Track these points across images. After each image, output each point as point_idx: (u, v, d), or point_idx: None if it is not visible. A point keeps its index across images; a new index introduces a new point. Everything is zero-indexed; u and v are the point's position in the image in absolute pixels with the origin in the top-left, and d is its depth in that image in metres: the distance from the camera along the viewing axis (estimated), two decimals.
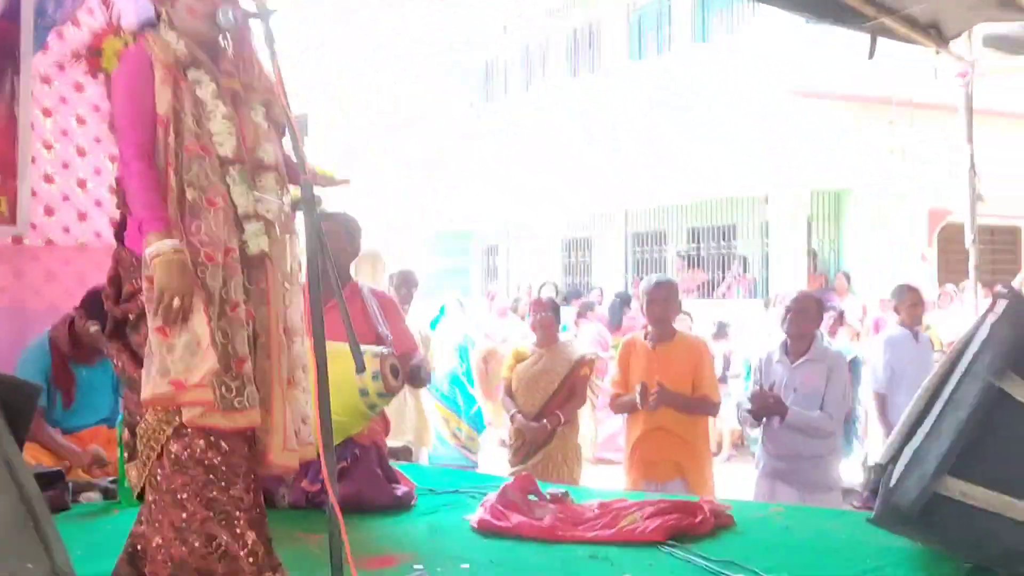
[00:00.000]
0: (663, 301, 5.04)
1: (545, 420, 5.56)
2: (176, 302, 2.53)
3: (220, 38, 2.79)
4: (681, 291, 5.48)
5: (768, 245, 14.58)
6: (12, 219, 4.70)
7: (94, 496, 4.00)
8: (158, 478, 2.61)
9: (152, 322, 2.57)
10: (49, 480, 3.77)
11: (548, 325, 5.80)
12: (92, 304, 4.07)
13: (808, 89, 13.12)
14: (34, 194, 4.85)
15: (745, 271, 15.03)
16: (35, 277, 4.90)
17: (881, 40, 5.71)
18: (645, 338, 5.13)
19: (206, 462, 2.59)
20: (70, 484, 3.97)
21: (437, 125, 20.44)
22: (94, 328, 4.10)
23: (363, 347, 2.80)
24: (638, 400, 4.81)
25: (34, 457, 4.07)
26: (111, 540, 2.81)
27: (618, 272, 17.00)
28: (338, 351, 2.66)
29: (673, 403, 4.82)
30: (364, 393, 3.62)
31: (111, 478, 4.06)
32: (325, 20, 19.67)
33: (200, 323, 2.57)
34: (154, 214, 2.60)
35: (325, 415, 2.52)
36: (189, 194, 2.64)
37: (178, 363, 2.54)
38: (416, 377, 4.20)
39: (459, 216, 19.71)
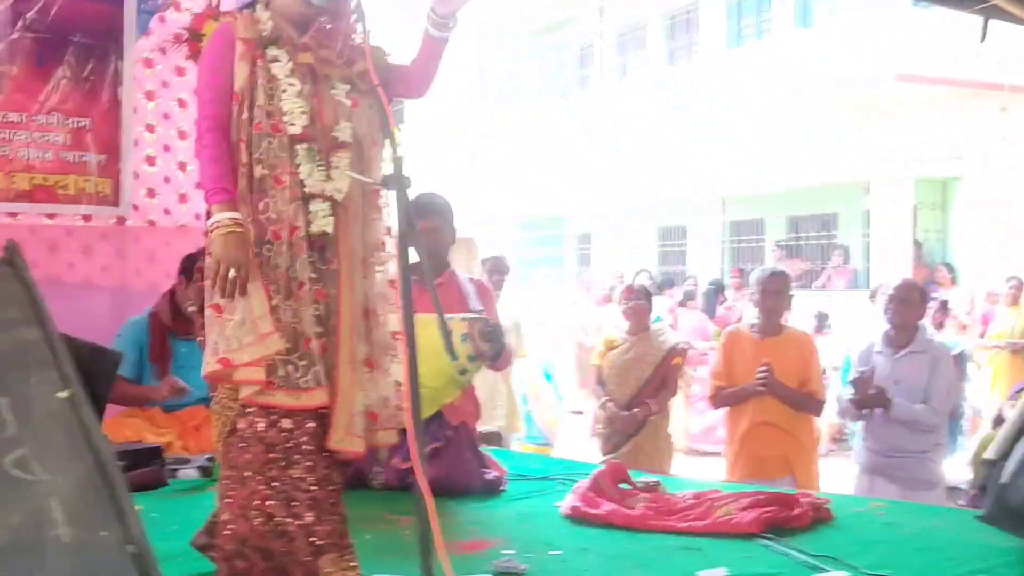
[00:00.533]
0: (775, 293, 4.92)
1: (636, 409, 5.50)
2: (232, 274, 2.49)
3: (320, 17, 2.77)
4: None
5: (869, 235, 14.19)
6: (116, 200, 4.81)
7: (191, 472, 4.06)
8: (229, 454, 2.62)
9: (208, 297, 2.55)
10: (147, 456, 3.84)
11: (640, 313, 5.72)
12: (190, 270, 4.12)
13: (915, 74, 12.69)
14: (136, 176, 4.96)
15: (846, 261, 14.66)
16: (137, 257, 5.01)
17: (994, 22, 5.46)
18: (750, 329, 5.02)
19: (266, 440, 2.56)
20: (168, 460, 4.04)
21: (530, 108, 20.38)
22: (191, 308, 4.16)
23: (453, 315, 2.76)
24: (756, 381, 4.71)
25: (135, 433, 4.15)
26: (206, 516, 2.83)
27: (714, 261, 16.75)
28: (427, 320, 2.63)
29: (783, 395, 4.71)
30: (454, 356, 3.59)
31: (208, 455, 4.12)
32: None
33: (258, 301, 2.53)
34: (218, 186, 2.58)
35: (415, 396, 2.49)
36: (258, 171, 2.62)
37: (231, 340, 2.50)
38: (498, 353, 4.09)
39: (552, 202, 19.65)
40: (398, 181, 2.51)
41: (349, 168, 2.75)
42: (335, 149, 2.74)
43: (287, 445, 2.58)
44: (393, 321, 2.82)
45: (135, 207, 4.97)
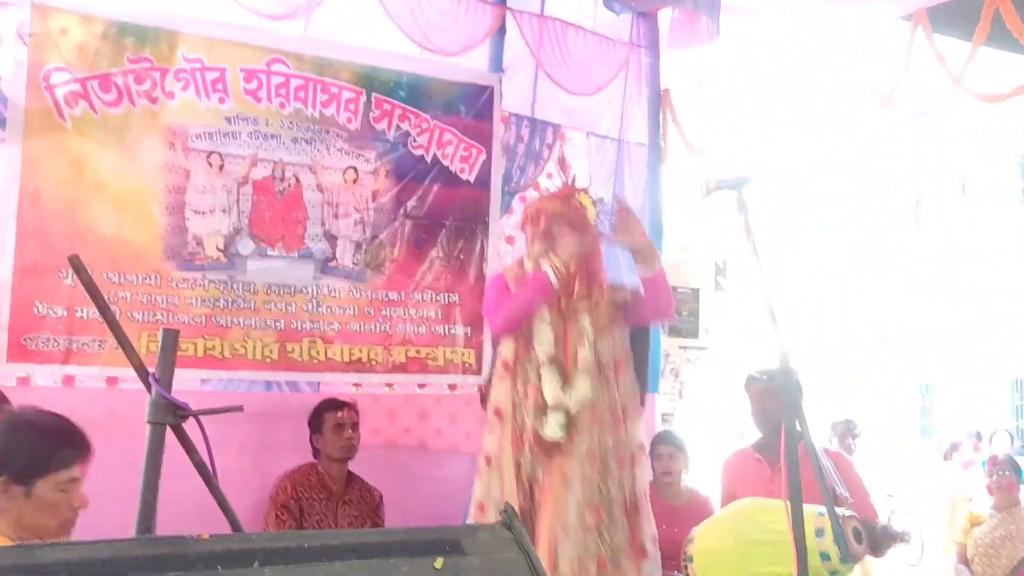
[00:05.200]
0: None
1: None
2: None
3: None
4: None
5: None
6: (478, 369, 5.10)
7: None
8: None
9: None
10: None
11: (1008, 486, 5.28)
12: None
13: None
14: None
15: None
16: None
17: None
18: None
19: None
20: None
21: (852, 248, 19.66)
22: None
23: (815, 507, 2.73)
24: None
25: None
26: None
27: None
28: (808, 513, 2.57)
29: None
30: (825, 558, 3.44)
31: None
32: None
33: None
34: None
35: None
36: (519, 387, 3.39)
37: None
38: (877, 544, 3.93)
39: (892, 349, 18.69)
40: (786, 377, 2.51)
41: (589, 384, 3.41)
42: (575, 370, 3.43)
43: None
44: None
45: None
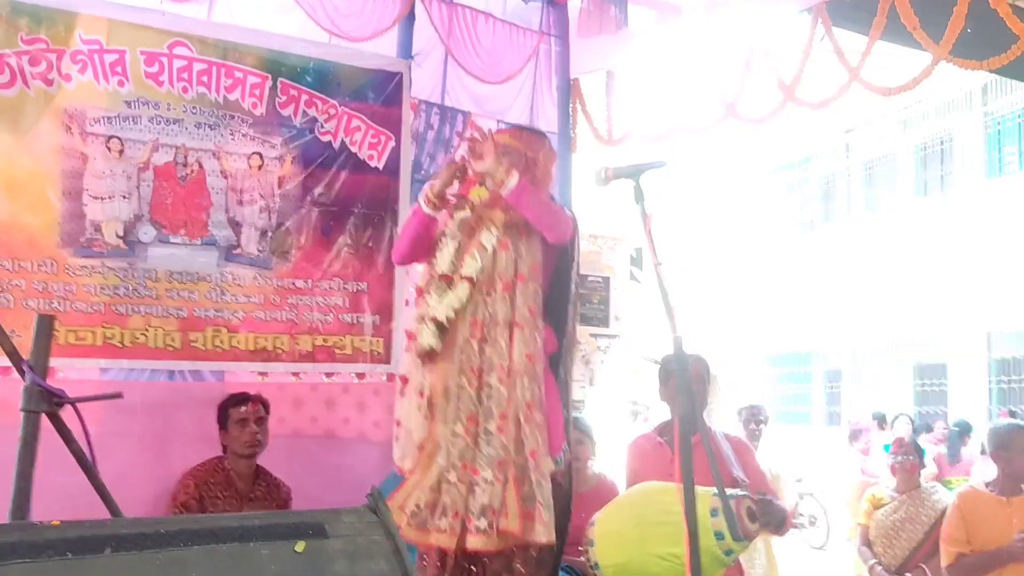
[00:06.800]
0: (1021, 451, 4.58)
1: (908, 574, 5.17)
2: None
3: None
4: None
5: None
6: (387, 358, 5.08)
7: None
8: None
9: None
10: None
11: (911, 469, 5.42)
12: None
13: None
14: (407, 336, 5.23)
15: None
16: None
17: None
18: (988, 488, 4.66)
19: None
20: None
21: (775, 244, 20.07)
22: None
23: (707, 488, 2.79)
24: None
25: None
26: None
27: (979, 403, 15.64)
28: (700, 494, 2.62)
29: None
30: (720, 537, 3.51)
31: None
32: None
33: None
34: None
35: (695, 567, 2.49)
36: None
37: None
38: (772, 521, 4.02)
39: (798, 338, 19.08)
40: (678, 361, 2.55)
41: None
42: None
43: None
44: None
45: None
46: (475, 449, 3.35)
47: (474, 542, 3.23)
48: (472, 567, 3.40)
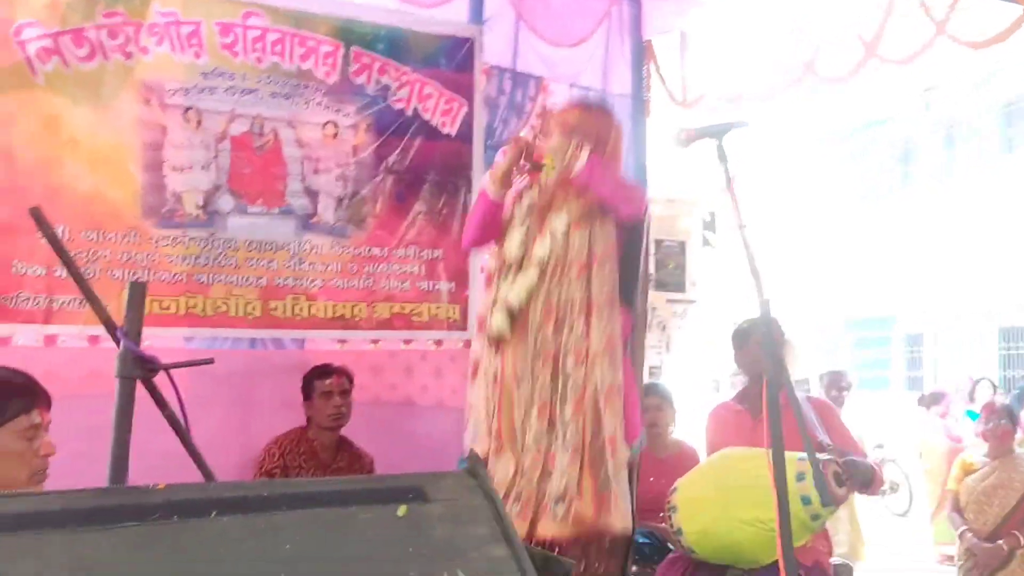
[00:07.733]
0: None
1: (1001, 541, 5.05)
2: None
3: None
4: None
5: None
6: (463, 325, 5.08)
7: None
8: None
9: None
10: None
11: (1004, 435, 5.30)
12: None
13: None
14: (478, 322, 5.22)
15: None
16: None
17: None
18: None
19: None
20: None
21: (852, 208, 19.69)
22: None
23: (795, 453, 2.74)
24: None
25: None
26: None
27: None
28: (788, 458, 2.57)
29: None
30: (806, 501, 3.45)
31: None
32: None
33: None
34: None
35: (785, 532, 2.45)
36: None
37: None
38: (860, 481, 3.93)
39: (878, 303, 18.72)
40: (764, 324, 2.50)
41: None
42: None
43: None
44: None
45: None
46: (550, 435, 3.28)
47: (547, 528, 3.15)
48: None
